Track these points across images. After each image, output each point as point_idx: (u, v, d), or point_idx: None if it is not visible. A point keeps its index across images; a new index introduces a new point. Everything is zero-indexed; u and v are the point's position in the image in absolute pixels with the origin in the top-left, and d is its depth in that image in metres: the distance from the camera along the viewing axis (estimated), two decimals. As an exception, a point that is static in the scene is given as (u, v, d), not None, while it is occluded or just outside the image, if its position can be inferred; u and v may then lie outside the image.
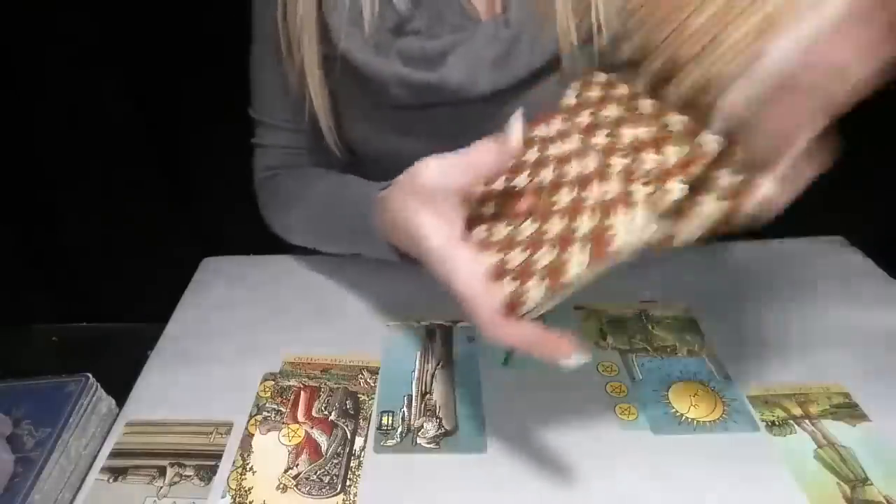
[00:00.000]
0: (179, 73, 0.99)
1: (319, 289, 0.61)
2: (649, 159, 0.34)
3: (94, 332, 0.76)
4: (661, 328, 0.54)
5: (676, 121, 0.35)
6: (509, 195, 0.41)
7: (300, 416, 0.47)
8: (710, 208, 0.32)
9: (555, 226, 0.36)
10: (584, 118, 0.41)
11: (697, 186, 0.32)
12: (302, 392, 0.49)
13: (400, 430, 0.45)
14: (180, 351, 0.54)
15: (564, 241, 0.34)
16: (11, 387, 0.48)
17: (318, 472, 0.43)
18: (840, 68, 0.29)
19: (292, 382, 0.50)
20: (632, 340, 0.53)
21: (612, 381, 0.49)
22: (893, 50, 0.29)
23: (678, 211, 0.32)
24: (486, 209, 0.41)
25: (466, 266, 0.36)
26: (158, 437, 0.46)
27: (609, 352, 0.52)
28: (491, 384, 0.49)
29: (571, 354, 0.34)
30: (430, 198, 0.38)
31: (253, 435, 0.46)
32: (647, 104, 0.38)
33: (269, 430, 0.46)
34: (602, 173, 0.36)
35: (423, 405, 0.47)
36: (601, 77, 0.44)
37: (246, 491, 0.41)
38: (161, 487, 0.42)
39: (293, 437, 0.45)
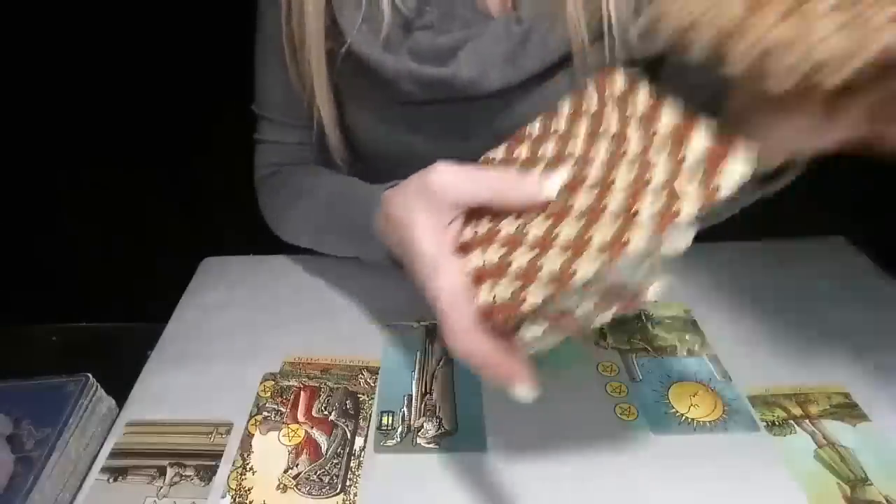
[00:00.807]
0: (180, 73, 0.99)
1: (319, 289, 0.61)
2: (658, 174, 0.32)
3: (94, 332, 0.76)
4: (661, 328, 0.54)
5: (698, 148, 0.32)
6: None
7: (300, 416, 0.47)
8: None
9: (540, 229, 0.34)
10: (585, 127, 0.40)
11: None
12: (302, 392, 0.49)
13: (400, 430, 0.45)
14: (180, 351, 0.54)
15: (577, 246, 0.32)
16: (11, 387, 0.48)
17: (318, 472, 0.43)
18: None
19: (292, 382, 0.50)
20: (632, 340, 0.52)
21: (612, 381, 0.49)
22: None
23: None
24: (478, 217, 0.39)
25: (449, 274, 0.35)
26: (158, 437, 0.46)
27: (609, 352, 0.52)
28: (491, 384, 0.49)
29: (523, 386, 0.33)
30: (433, 203, 0.37)
31: (253, 435, 0.46)
32: (666, 119, 0.35)
33: (269, 430, 0.46)
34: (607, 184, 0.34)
35: (423, 405, 0.47)
36: (620, 81, 0.40)
37: (246, 491, 0.41)
38: (161, 487, 0.42)
39: (293, 437, 0.45)
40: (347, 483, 0.42)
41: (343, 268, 0.62)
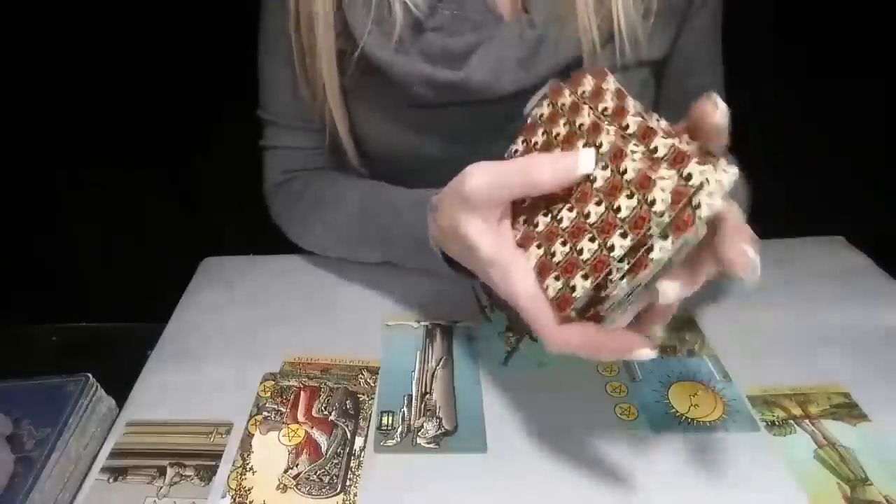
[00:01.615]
0: (179, 73, 0.99)
1: (319, 289, 0.61)
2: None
3: (94, 332, 0.76)
4: (660, 328, 0.54)
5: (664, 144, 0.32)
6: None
7: (300, 416, 0.47)
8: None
9: (594, 211, 0.34)
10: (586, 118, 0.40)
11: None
12: (302, 392, 0.49)
13: (400, 430, 0.45)
14: (180, 351, 0.54)
15: (606, 227, 0.33)
16: (11, 387, 0.48)
17: (318, 472, 0.43)
18: None
19: (292, 382, 0.50)
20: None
21: (612, 381, 0.49)
22: None
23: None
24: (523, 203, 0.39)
25: (522, 275, 0.36)
26: (158, 437, 0.46)
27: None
28: (491, 384, 0.49)
29: (643, 351, 0.33)
30: (476, 206, 0.37)
31: (253, 435, 0.46)
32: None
33: (269, 430, 0.46)
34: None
35: (423, 405, 0.47)
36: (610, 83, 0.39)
37: (246, 491, 0.41)
38: (161, 487, 0.42)
39: (293, 437, 0.45)
40: (347, 483, 0.42)
41: (343, 268, 0.62)
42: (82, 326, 0.76)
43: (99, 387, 0.48)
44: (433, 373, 0.50)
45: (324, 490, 0.41)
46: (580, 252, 0.34)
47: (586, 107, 0.37)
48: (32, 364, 0.54)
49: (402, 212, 0.51)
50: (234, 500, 0.41)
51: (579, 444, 0.43)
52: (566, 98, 0.39)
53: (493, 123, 0.54)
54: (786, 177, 0.90)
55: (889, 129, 0.96)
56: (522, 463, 0.42)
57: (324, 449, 0.44)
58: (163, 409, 0.48)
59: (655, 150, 0.32)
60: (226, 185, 0.94)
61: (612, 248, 0.32)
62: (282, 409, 0.48)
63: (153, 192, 1.12)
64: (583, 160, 0.34)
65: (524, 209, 0.39)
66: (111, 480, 0.43)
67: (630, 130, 0.34)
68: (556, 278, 0.35)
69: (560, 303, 0.34)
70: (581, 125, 0.37)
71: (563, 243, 0.35)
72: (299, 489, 0.41)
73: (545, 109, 0.40)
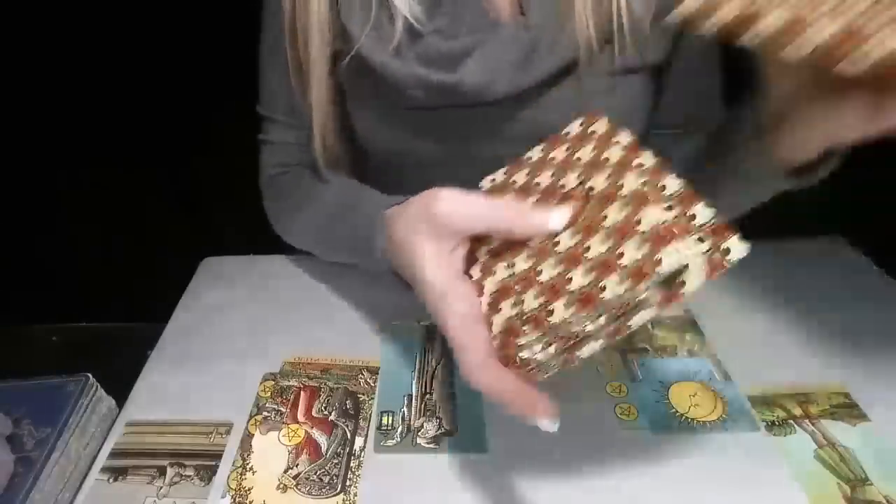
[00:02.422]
0: (180, 73, 0.99)
1: (319, 289, 0.61)
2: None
3: (94, 332, 0.76)
4: (661, 328, 0.54)
5: (674, 184, 0.32)
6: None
7: (300, 416, 0.47)
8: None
9: (550, 269, 0.34)
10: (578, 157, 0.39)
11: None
12: (302, 392, 0.49)
13: (400, 430, 0.45)
14: (180, 351, 0.54)
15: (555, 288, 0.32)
16: (11, 387, 0.48)
17: (318, 472, 0.43)
18: None
19: (292, 382, 0.50)
20: (632, 340, 0.52)
21: (612, 381, 0.49)
22: None
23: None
24: (484, 243, 0.39)
25: (459, 306, 0.35)
26: (158, 437, 0.46)
27: (609, 352, 0.52)
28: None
29: (545, 417, 0.33)
30: (437, 229, 0.37)
31: (253, 435, 0.46)
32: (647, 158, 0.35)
33: (269, 430, 0.46)
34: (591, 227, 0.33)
35: (423, 405, 0.47)
36: (602, 126, 0.40)
37: (246, 491, 0.41)
38: (161, 487, 0.42)
39: (293, 437, 0.45)
40: (347, 483, 0.42)
41: (343, 268, 0.62)
42: (82, 326, 0.76)
43: (99, 387, 0.48)
44: (433, 373, 0.50)
45: (324, 490, 0.41)
46: (523, 303, 0.33)
47: (577, 170, 0.37)
48: (32, 364, 0.54)
49: (360, 219, 0.51)
50: (234, 500, 0.41)
51: (579, 444, 0.43)
52: (561, 151, 0.39)
53: (487, 126, 0.54)
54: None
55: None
56: (522, 463, 0.42)
57: (324, 449, 0.44)
58: (163, 409, 0.48)
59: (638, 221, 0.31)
60: (226, 185, 0.94)
61: (551, 313, 0.32)
62: (282, 409, 0.48)
63: (153, 192, 1.12)
64: (554, 218, 0.35)
65: (491, 249, 0.38)
66: (111, 480, 0.43)
67: (623, 195, 0.33)
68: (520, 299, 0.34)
69: (505, 345, 0.33)
70: (563, 186, 0.37)
71: (522, 294, 0.34)
72: (299, 489, 0.41)
73: (537, 153, 0.41)
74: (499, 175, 0.43)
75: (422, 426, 0.46)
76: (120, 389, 0.50)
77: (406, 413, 0.47)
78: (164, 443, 0.45)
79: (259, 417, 0.47)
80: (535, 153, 0.42)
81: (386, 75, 0.52)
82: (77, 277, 1.14)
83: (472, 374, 0.34)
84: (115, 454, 0.45)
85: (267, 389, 0.49)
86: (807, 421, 0.45)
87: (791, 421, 0.45)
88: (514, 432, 0.45)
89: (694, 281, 0.29)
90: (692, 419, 0.45)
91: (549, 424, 0.33)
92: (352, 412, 0.47)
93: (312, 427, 0.46)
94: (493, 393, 0.33)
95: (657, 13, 0.49)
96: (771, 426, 0.44)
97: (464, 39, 0.51)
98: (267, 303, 0.60)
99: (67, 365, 0.49)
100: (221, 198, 1.10)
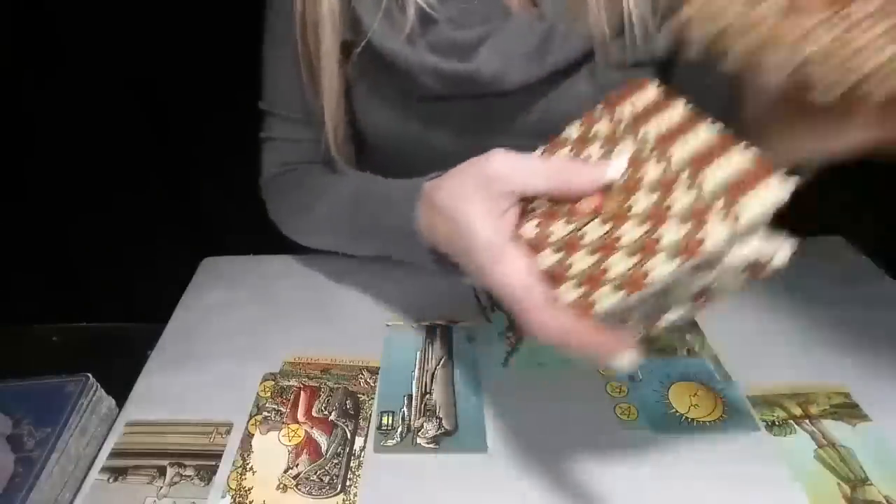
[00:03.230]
0: (180, 72, 0.99)
1: (319, 289, 0.61)
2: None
3: (94, 332, 0.76)
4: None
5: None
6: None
7: (300, 416, 0.47)
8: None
9: (632, 231, 0.32)
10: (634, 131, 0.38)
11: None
12: (302, 392, 0.49)
13: (400, 430, 0.45)
14: (180, 351, 0.54)
15: (647, 247, 0.31)
16: (11, 387, 0.48)
17: (318, 472, 0.43)
18: None
19: (292, 382, 0.50)
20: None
21: (612, 381, 0.49)
22: None
23: None
24: (536, 204, 0.37)
25: (516, 259, 0.34)
26: (158, 437, 0.46)
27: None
28: (491, 384, 0.49)
29: (626, 354, 0.31)
30: (492, 190, 0.36)
31: (253, 435, 0.46)
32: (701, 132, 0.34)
33: (269, 430, 0.46)
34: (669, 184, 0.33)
35: (423, 405, 0.47)
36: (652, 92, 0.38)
37: (246, 491, 0.41)
38: (161, 487, 0.42)
39: (293, 437, 0.45)
40: (347, 483, 0.42)
41: (343, 268, 0.62)
42: (82, 326, 0.76)
43: (99, 387, 0.48)
44: (433, 373, 0.50)
45: (324, 490, 0.41)
46: (607, 268, 0.32)
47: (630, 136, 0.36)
48: (32, 364, 0.54)
49: (392, 200, 0.49)
50: (234, 500, 0.41)
51: (579, 444, 0.43)
52: (602, 125, 0.38)
53: (499, 116, 0.54)
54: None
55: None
56: (522, 463, 0.42)
57: (324, 449, 0.44)
58: (163, 409, 0.48)
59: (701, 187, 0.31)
60: (226, 185, 0.94)
61: (646, 274, 0.30)
62: (282, 409, 0.48)
63: (153, 192, 1.12)
64: (612, 167, 0.34)
65: (536, 214, 0.37)
66: (111, 480, 0.43)
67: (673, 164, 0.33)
68: (577, 286, 0.33)
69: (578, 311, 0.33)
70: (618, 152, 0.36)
71: (590, 254, 0.33)
72: (299, 489, 0.41)
73: (576, 130, 0.40)
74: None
75: (422, 426, 0.46)
76: (120, 389, 0.50)
77: (406, 413, 0.47)
78: (164, 443, 0.45)
79: (259, 417, 0.47)
80: (574, 130, 0.40)
81: (398, 63, 0.52)
82: (77, 277, 1.14)
83: (539, 320, 0.32)
84: (115, 454, 0.45)
85: (267, 389, 0.49)
86: (807, 421, 0.45)
87: (791, 421, 0.45)
88: (514, 432, 0.45)
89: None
90: (692, 419, 0.45)
91: (631, 360, 0.31)
92: (352, 412, 0.47)
93: (312, 427, 0.46)
94: (571, 338, 0.32)
95: (669, 6, 0.49)
96: (771, 426, 0.44)
97: (476, 29, 0.51)
98: (267, 303, 0.60)
99: (67, 365, 0.49)
100: (221, 198, 1.10)
